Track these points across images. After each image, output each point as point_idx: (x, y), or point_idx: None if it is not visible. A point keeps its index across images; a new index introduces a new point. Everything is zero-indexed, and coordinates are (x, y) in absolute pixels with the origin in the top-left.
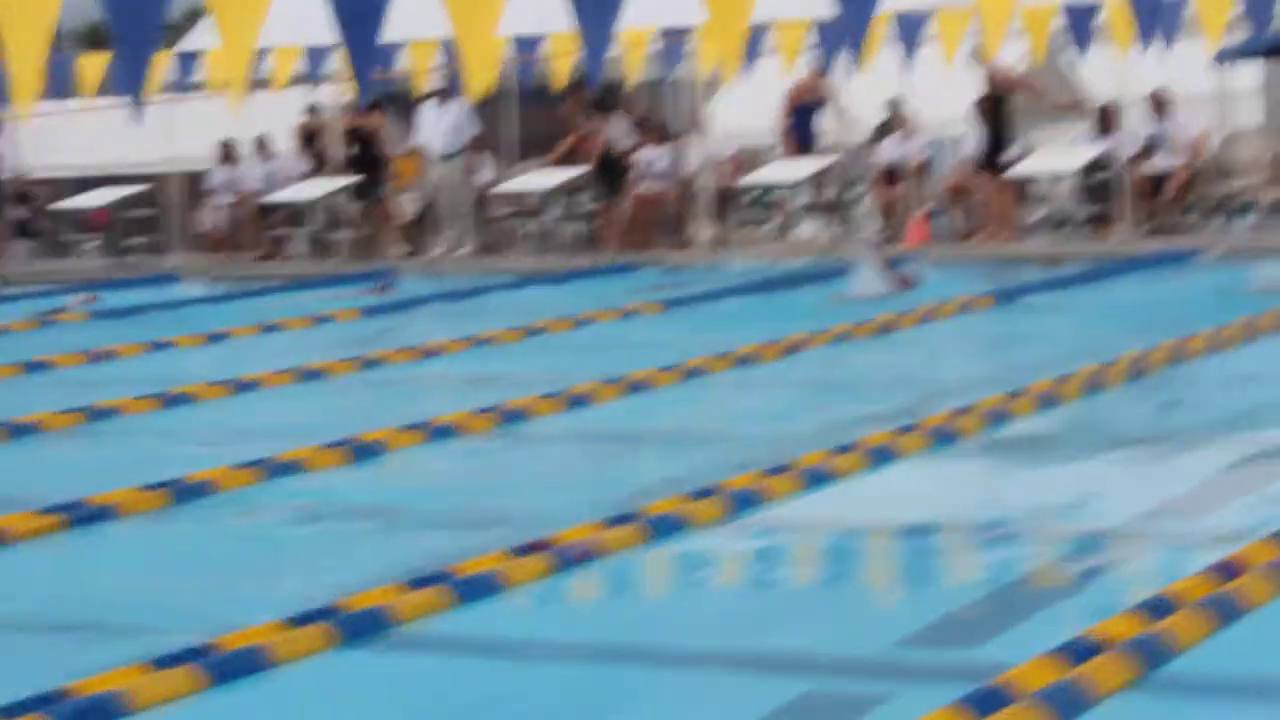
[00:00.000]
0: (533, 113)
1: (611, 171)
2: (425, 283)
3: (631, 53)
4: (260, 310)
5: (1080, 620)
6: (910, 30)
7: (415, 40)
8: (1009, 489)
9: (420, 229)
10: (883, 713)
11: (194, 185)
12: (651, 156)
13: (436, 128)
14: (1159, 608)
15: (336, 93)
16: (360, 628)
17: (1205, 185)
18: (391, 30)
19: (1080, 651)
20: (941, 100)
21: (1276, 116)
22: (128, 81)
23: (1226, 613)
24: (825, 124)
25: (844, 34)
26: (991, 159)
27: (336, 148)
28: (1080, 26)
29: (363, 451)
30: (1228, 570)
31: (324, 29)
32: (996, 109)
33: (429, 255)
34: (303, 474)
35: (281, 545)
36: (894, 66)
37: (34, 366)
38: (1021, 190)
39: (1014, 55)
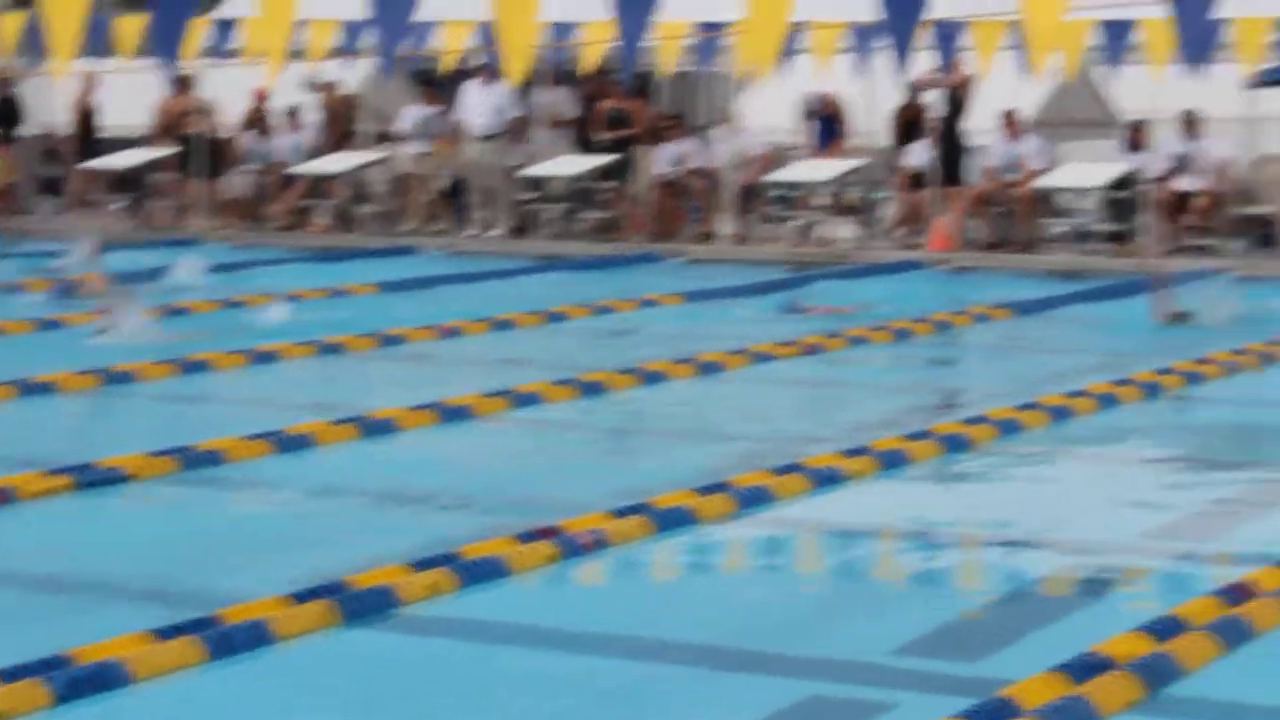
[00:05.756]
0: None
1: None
2: (448, 262)
3: (667, 45)
4: (281, 281)
5: (1086, 637)
6: (947, 38)
7: (449, 20)
8: (1020, 500)
9: (451, 207)
10: None
11: (221, 151)
12: (677, 148)
13: (479, 107)
14: (1167, 628)
15: (370, 67)
16: (364, 606)
17: (1231, 207)
18: (426, 10)
19: (1086, 668)
20: (971, 109)
21: None
22: (164, 45)
23: (1234, 637)
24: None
25: (887, 37)
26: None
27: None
28: (1115, 42)
29: (375, 429)
30: (1237, 594)
31: (359, 3)
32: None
33: (460, 234)
34: (314, 449)
35: (289, 520)
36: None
37: (48, 325)
38: (1046, 203)
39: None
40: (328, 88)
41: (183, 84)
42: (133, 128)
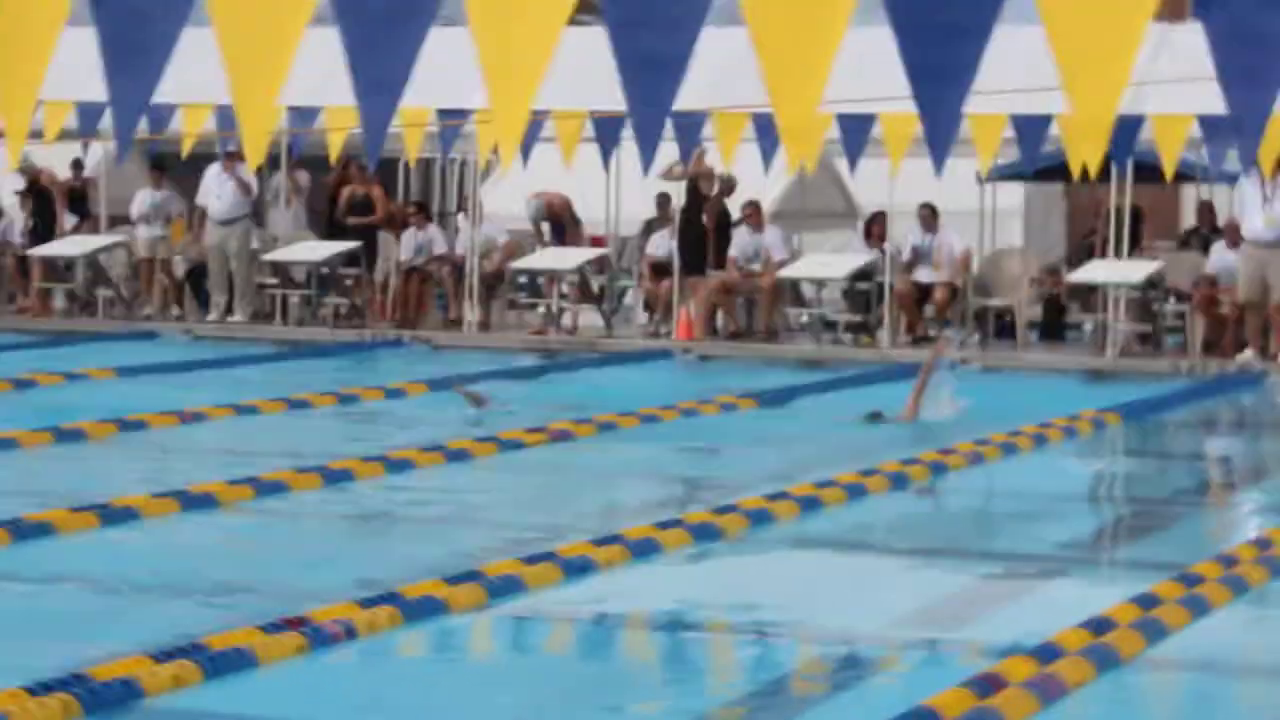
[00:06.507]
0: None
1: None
2: (190, 348)
3: (410, 131)
4: (16, 366)
5: None
6: (689, 129)
7: (187, 103)
8: (771, 589)
9: (189, 292)
10: None
11: None
12: (420, 235)
13: (219, 191)
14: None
15: (106, 149)
16: (106, 699)
17: (969, 300)
18: (163, 91)
19: None
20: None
21: (1036, 237)
22: None
23: None
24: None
25: (632, 129)
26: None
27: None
28: (855, 135)
29: (115, 517)
30: (987, 684)
31: (97, 85)
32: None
33: (201, 319)
34: (53, 536)
35: (27, 610)
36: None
37: None
38: (790, 293)
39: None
40: (36, 172)
41: None
42: None
